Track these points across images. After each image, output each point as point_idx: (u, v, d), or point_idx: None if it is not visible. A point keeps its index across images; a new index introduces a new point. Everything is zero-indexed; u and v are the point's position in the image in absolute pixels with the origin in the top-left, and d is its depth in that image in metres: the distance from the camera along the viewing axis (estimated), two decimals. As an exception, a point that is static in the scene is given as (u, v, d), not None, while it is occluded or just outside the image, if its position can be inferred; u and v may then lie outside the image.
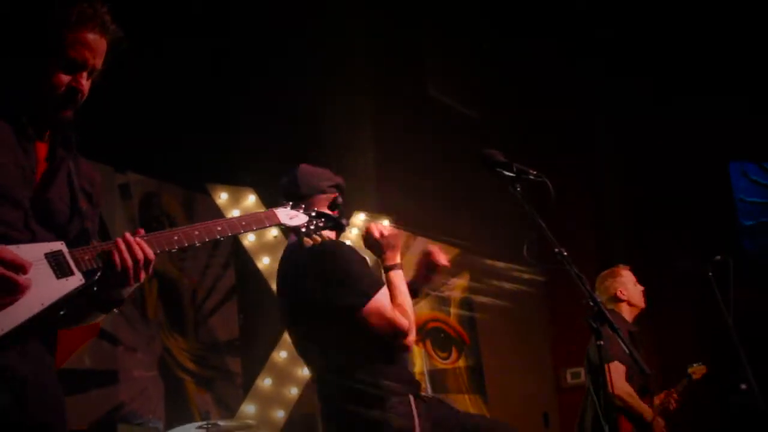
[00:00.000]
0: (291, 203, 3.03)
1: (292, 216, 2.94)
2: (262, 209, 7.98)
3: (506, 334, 10.35)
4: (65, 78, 2.47)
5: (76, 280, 2.38)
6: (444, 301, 9.79)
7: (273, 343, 8.07)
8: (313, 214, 3.01)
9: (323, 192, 4.09)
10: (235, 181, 8.21)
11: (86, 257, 2.41)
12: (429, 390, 9.04)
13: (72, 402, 6.51)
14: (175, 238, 2.60)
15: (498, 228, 9.64)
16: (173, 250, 2.63)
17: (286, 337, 8.08)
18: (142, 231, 2.60)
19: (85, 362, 6.74)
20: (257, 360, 8.14)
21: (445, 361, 9.61)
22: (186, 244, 2.61)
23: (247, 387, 8.05)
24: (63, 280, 2.35)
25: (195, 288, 8.01)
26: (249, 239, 8.09)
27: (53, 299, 2.32)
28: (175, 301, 7.80)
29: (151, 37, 6.41)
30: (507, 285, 9.60)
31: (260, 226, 2.78)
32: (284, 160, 7.42)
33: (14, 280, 2.22)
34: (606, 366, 6.00)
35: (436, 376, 9.33)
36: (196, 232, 2.63)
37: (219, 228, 2.67)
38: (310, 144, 7.52)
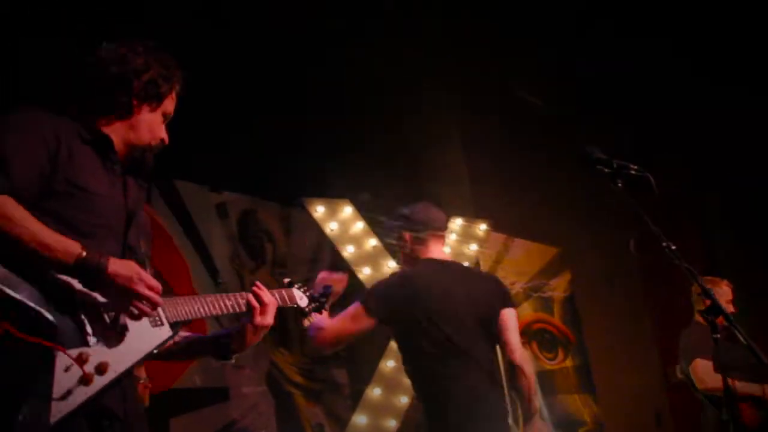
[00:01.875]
0: (299, 285, 3.24)
1: (300, 297, 3.18)
2: (359, 221, 8.12)
3: (611, 331, 10.14)
4: (162, 127, 2.74)
5: (166, 332, 2.52)
6: (547, 302, 9.65)
7: (378, 353, 8.07)
8: (314, 296, 3.27)
9: (438, 230, 4.31)
10: (331, 194, 8.25)
11: (171, 309, 2.56)
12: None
13: (185, 421, 6.64)
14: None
15: (597, 225, 9.47)
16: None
17: (393, 346, 8.07)
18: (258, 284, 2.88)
19: (195, 381, 6.85)
20: (363, 371, 8.15)
21: (552, 362, 9.48)
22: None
23: (355, 397, 8.07)
24: (156, 330, 2.50)
25: (297, 302, 8.06)
26: (348, 250, 8.11)
27: (151, 347, 2.46)
28: (279, 316, 7.84)
29: (241, 55, 6.49)
30: (609, 282, 9.41)
31: (285, 304, 3.07)
32: (379, 170, 7.43)
33: (154, 300, 2.38)
34: (692, 363, 5.92)
35: (544, 377, 9.20)
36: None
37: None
38: (404, 152, 7.50)
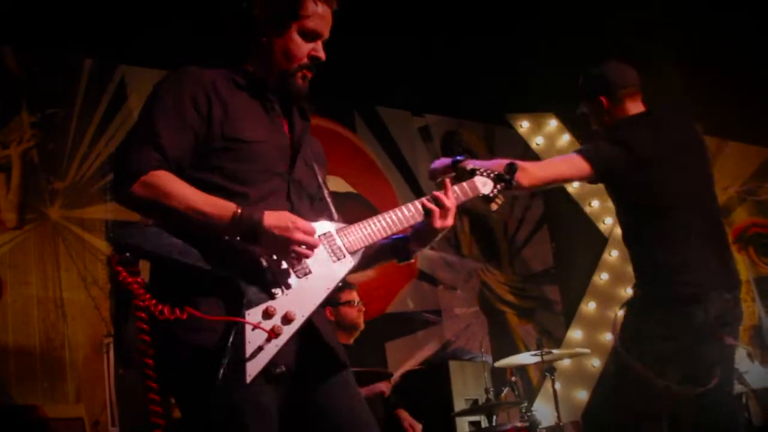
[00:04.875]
0: (481, 171, 2.99)
1: (485, 183, 2.96)
2: (565, 134, 7.89)
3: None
4: (306, 46, 2.58)
5: (348, 263, 2.50)
6: (762, 206, 9.12)
7: (590, 268, 7.92)
8: (499, 174, 2.99)
9: (625, 87, 3.85)
10: (535, 108, 8.05)
11: (350, 238, 2.53)
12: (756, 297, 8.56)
13: (402, 343, 6.74)
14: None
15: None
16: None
17: (606, 258, 7.91)
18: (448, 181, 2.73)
19: (408, 305, 6.93)
20: (575, 286, 8.02)
21: (770, 266, 9.03)
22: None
23: (567, 314, 7.97)
24: (339, 263, 2.48)
25: (505, 221, 8.00)
26: (554, 166, 7.90)
27: (335, 282, 2.47)
28: (488, 236, 7.84)
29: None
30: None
31: (467, 197, 2.86)
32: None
33: (312, 243, 2.37)
34: None
35: (764, 283, 8.76)
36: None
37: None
38: (610, 58, 7.15)
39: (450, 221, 2.66)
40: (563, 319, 8.00)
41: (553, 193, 8.09)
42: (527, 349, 7.13)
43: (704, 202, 3.73)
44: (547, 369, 5.90)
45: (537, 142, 8.04)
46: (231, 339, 2.21)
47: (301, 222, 2.34)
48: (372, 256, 2.72)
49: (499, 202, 2.96)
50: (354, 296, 5.31)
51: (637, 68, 4.04)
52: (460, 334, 7.25)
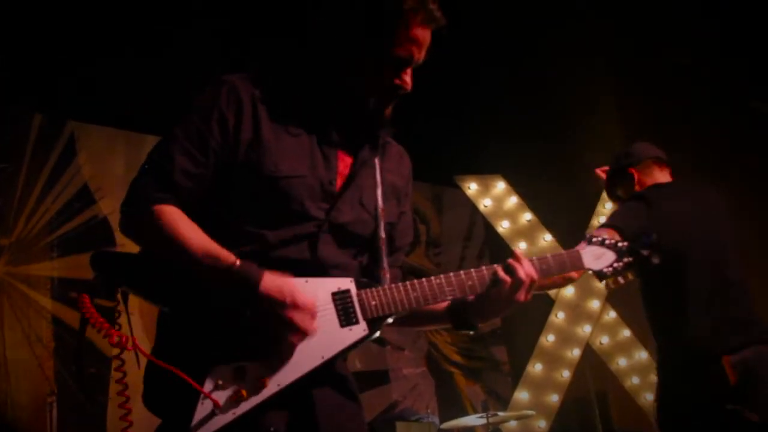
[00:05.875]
0: (598, 239, 2.46)
1: (598, 255, 2.41)
2: (513, 196, 7.97)
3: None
4: (391, 75, 2.25)
5: (360, 331, 2.09)
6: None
7: (537, 328, 7.96)
8: (623, 248, 2.43)
9: (659, 157, 3.99)
10: (483, 170, 8.14)
11: (373, 303, 2.12)
12: None
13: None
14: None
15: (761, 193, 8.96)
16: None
17: (553, 320, 7.96)
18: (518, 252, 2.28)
19: (356, 365, 6.91)
20: (522, 347, 8.05)
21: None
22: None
23: (514, 374, 7.99)
24: (346, 330, 2.09)
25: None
26: (503, 225, 8.00)
27: (334, 352, 2.07)
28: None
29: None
30: None
31: (563, 270, 2.35)
32: (529, 141, 7.27)
33: (304, 329, 2.02)
34: None
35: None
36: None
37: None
38: (553, 124, 7.31)
39: (522, 296, 2.22)
40: (510, 380, 8.01)
41: (500, 254, 8.14)
42: (474, 411, 7.14)
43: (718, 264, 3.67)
44: (494, 431, 5.91)
45: (485, 204, 8.12)
46: (183, 394, 1.95)
47: (301, 299, 2.00)
48: (413, 317, 2.33)
49: (621, 281, 2.50)
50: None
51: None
52: (407, 395, 7.23)
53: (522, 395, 7.60)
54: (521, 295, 2.21)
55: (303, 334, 2.01)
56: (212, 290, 2.03)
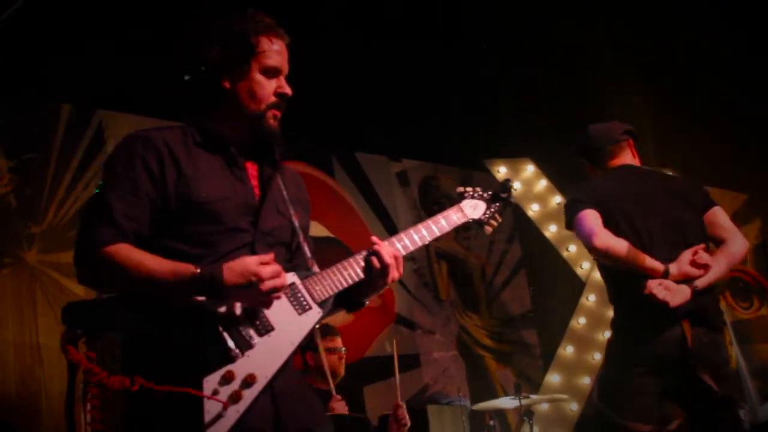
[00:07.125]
0: (472, 192, 2.90)
1: (474, 206, 2.87)
2: (542, 179, 7.95)
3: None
4: (270, 84, 2.52)
5: (315, 314, 2.42)
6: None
7: (568, 311, 7.94)
8: (489, 197, 2.92)
9: (617, 141, 4.05)
10: (512, 154, 8.11)
11: (317, 287, 2.45)
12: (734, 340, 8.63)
13: (379, 387, 6.71)
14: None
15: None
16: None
17: (584, 302, 7.94)
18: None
19: (386, 349, 6.91)
20: (553, 330, 8.04)
21: (747, 311, 9.09)
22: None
23: (545, 358, 7.98)
24: (304, 316, 2.40)
25: (483, 265, 8.03)
26: (533, 209, 7.97)
27: (301, 337, 2.38)
28: (466, 280, 7.86)
29: (414, 25, 6.43)
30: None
31: (453, 225, 2.78)
32: (558, 124, 7.21)
33: (281, 285, 2.30)
34: None
35: (739, 326, 8.82)
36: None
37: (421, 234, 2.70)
38: (583, 105, 7.24)
39: (393, 275, 2.53)
40: (541, 363, 8.00)
41: (530, 237, 8.13)
42: (505, 393, 7.12)
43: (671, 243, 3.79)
44: (525, 413, 5.90)
45: (515, 187, 8.08)
46: (188, 409, 2.15)
47: (263, 270, 2.25)
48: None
49: (494, 224, 2.91)
50: (337, 343, 5.26)
51: (610, 118, 4.19)
52: (438, 378, 7.24)
53: (553, 378, 7.59)
54: (391, 276, 2.51)
55: (278, 292, 2.28)
56: (184, 302, 2.26)
